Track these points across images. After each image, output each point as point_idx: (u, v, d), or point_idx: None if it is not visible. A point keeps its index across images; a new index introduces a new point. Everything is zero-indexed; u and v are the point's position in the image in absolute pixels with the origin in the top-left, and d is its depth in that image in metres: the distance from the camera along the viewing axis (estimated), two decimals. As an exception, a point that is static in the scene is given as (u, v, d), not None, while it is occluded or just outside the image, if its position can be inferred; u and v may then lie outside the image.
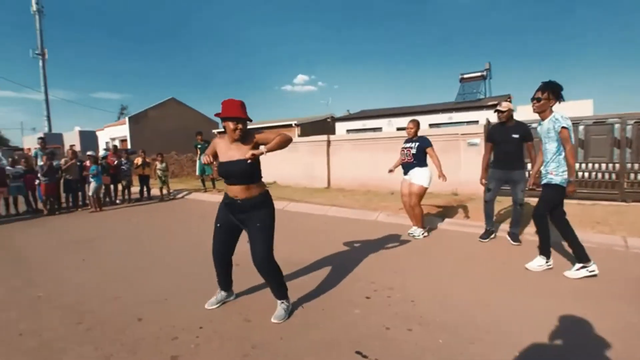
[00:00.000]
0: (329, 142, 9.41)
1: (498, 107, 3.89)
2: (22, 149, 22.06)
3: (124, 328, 2.28)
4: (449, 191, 7.20)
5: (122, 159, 8.33)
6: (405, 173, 4.34)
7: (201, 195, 8.98)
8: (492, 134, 4.07)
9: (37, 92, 20.67)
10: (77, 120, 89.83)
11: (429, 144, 4.17)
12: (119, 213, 7.12)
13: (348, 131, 17.21)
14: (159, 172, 8.53)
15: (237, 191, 2.25)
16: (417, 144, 4.22)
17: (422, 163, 4.23)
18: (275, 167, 10.53)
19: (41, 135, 16.07)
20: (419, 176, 4.18)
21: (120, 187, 8.46)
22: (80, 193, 7.74)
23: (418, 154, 4.19)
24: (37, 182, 7.05)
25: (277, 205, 6.73)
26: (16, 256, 4.11)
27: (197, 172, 9.40)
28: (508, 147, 3.85)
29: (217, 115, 2.16)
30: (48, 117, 21.18)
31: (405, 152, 4.29)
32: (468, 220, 4.90)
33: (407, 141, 4.36)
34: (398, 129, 13.39)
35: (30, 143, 21.43)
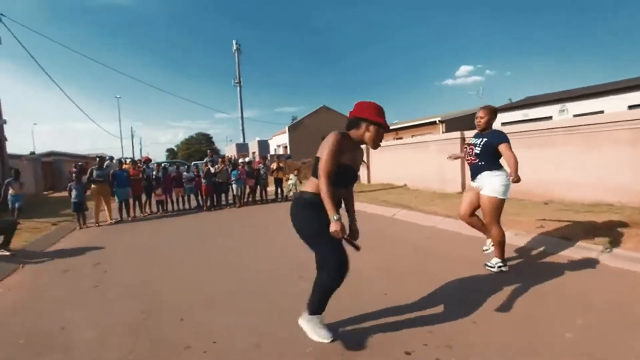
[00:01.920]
0: (462, 139, 8.06)
1: None
2: (223, 156, 29.12)
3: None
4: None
5: (261, 165, 9.57)
6: (473, 178, 3.26)
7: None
8: None
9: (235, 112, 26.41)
10: (265, 132, 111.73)
11: (503, 140, 3.01)
12: (249, 210, 8.18)
13: (504, 124, 14.41)
14: (289, 184, 9.41)
15: (343, 195, 2.17)
16: (484, 140, 3.12)
17: (493, 165, 3.10)
18: (406, 169, 9.87)
19: (231, 145, 20.49)
20: (490, 184, 3.05)
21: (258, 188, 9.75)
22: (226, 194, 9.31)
23: (484, 153, 3.10)
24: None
25: (387, 212, 6.32)
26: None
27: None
28: None
29: (368, 117, 2.00)
30: (242, 130, 27.30)
31: (468, 150, 3.26)
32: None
33: (475, 136, 3.29)
34: (576, 117, 10.22)
35: (229, 151, 28.04)
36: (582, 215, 4.62)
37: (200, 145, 55.94)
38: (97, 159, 7.53)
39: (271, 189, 10.09)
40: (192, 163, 11.76)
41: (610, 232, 3.80)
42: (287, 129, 28.58)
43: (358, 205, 8.23)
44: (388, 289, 2.86)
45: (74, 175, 7.29)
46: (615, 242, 3.48)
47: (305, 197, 2.00)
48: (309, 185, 2.03)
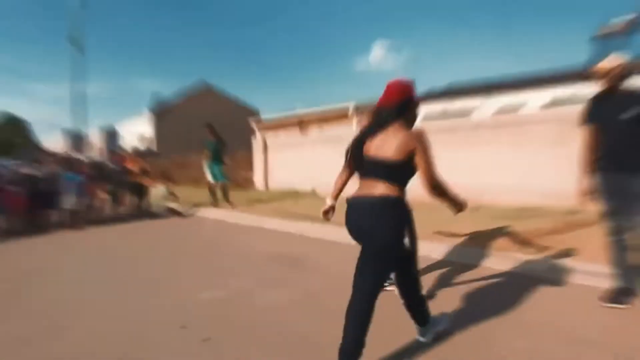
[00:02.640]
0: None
1: (597, 65, 3.06)
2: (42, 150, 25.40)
3: None
4: (563, 208, 6.08)
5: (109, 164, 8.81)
6: None
7: (209, 211, 9.06)
8: (593, 112, 3.21)
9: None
10: (113, 114, 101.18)
11: None
12: (94, 234, 7.46)
13: (424, 119, 16.15)
14: (155, 198, 8.91)
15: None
16: None
17: None
18: (316, 171, 10.20)
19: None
20: None
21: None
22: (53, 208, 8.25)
23: None
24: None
25: (297, 228, 6.48)
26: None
27: (210, 179, 9.43)
28: (618, 133, 3.02)
29: (412, 97, 2.30)
30: (77, 114, 23.37)
31: None
32: (585, 261, 3.94)
33: None
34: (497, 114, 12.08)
35: (54, 143, 24.67)
36: (510, 222, 5.54)
37: (10, 136, 47.88)
38: None
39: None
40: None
41: (537, 240, 4.68)
42: (149, 112, 26.79)
43: (256, 220, 8.20)
44: (311, 328, 2.94)
45: None
46: (541, 250, 4.30)
47: (391, 199, 2.12)
48: (382, 189, 2.14)
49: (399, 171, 2.14)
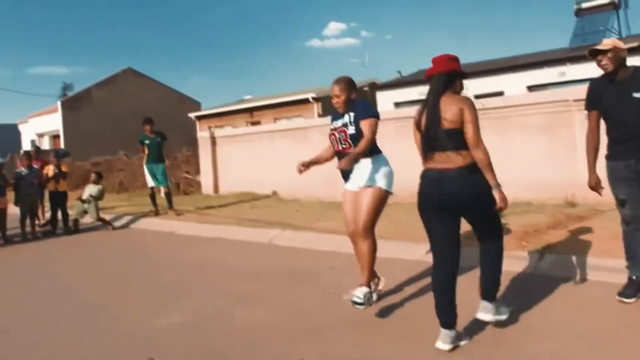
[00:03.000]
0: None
1: (595, 47, 3.23)
2: None
3: None
4: (559, 199, 6.34)
5: (22, 169, 8.18)
6: (347, 177, 3.55)
7: (147, 221, 8.68)
8: (596, 94, 3.33)
9: None
10: (12, 110, 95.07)
11: (370, 113, 3.45)
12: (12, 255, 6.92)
13: (397, 105, 16.49)
14: (85, 198, 8.39)
15: None
16: (352, 115, 3.43)
17: (373, 149, 3.39)
18: (275, 169, 9.98)
19: None
20: (373, 174, 3.35)
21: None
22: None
23: (359, 131, 3.35)
24: None
25: (262, 236, 6.34)
26: None
27: (149, 183, 9.01)
28: (628, 116, 3.14)
29: (459, 68, 2.77)
30: None
31: (338, 135, 3.50)
32: (603, 257, 4.12)
33: (335, 118, 3.65)
34: (476, 97, 12.53)
35: None
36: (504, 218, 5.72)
37: None
38: None
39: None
40: None
41: (540, 235, 4.87)
42: (59, 105, 25.40)
43: (210, 229, 7.95)
44: (294, 349, 2.85)
45: None
46: (548, 247, 4.45)
47: (475, 168, 2.54)
48: (456, 161, 2.53)
49: (463, 137, 2.51)
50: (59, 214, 8.50)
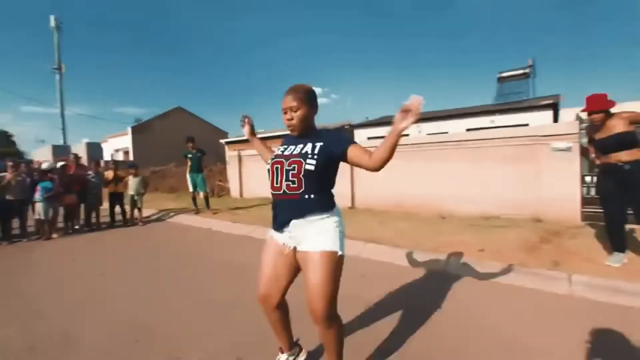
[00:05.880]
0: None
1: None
2: (30, 161, 21.23)
3: None
4: (525, 215, 5.16)
5: (90, 172, 6.59)
6: (281, 226, 1.62)
7: (189, 218, 7.13)
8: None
9: (56, 107, 20.42)
10: (99, 134, 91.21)
11: (349, 142, 1.59)
12: (67, 245, 5.30)
13: (369, 139, 15.34)
14: (130, 191, 6.73)
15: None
16: (319, 144, 1.59)
17: (325, 196, 1.61)
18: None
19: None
20: (324, 235, 1.55)
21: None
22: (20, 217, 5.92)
23: (320, 170, 1.54)
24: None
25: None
26: None
27: (190, 189, 7.54)
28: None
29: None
30: (63, 129, 21.33)
31: (287, 167, 1.56)
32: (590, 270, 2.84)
33: (288, 142, 1.72)
34: (428, 134, 11.40)
35: (42, 155, 20.62)
36: (494, 230, 4.45)
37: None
38: None
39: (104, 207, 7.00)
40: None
41: (541, 250, 3.57)
42: (129, 130, 23.55)
43: (233, 228, 6.09)
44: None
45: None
46: (557, 263, 3.14)
47: None
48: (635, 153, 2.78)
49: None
50: (118, 209, 6.88)
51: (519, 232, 4.33)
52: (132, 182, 6.75)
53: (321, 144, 1.58)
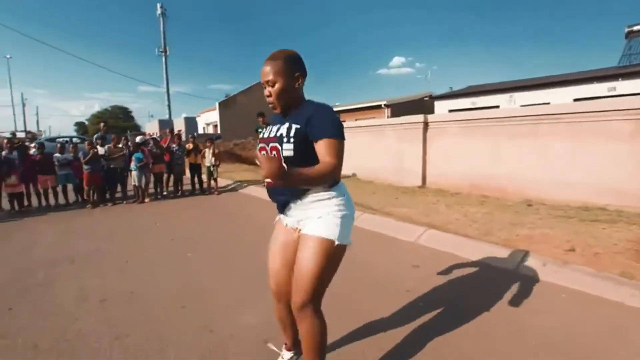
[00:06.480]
0: (426, 124, 6.87)
1: None
2: (144, 133, 24.93)
3: None
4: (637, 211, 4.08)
5: (174, 145, 7.30)
6: (283, 209, 1.48)
7: (258, 190, 7.47)
8: None
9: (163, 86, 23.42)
10: (195, 109, 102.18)
11: (334, 133, 1.31)
12: (156, 207, 5.99)
13: (451, 112, 13.98)
14: (206, 162, 7.25)
15: None
16: (295, 126, 1.33)
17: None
18: (358, 156, 8.40)
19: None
20: (324, 219, 1.36)
21: (167, 177, 7.43)
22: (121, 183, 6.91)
23: (300, 154, 1.32)
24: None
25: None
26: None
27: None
28: None
29: None
30: (169, 106, 24.27)
31: (269, 153, 1.37)
32: None
33: (273, 121, 1.52)
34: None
35: (151, 128, 24.10)
36: (594, 226, 3.61)
37: (117, 120, 48.86)
38: None
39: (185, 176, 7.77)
40: (67, 139, 8.73)
41: None
42: (217, 105, 25.58)
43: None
44: None
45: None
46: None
47: None
48: None
49: None
50: (196, 179, 7.58)
51: (629, 231, 3.44)
52: (208, 154, 7.28)
53: (297, 126, 1.33)
